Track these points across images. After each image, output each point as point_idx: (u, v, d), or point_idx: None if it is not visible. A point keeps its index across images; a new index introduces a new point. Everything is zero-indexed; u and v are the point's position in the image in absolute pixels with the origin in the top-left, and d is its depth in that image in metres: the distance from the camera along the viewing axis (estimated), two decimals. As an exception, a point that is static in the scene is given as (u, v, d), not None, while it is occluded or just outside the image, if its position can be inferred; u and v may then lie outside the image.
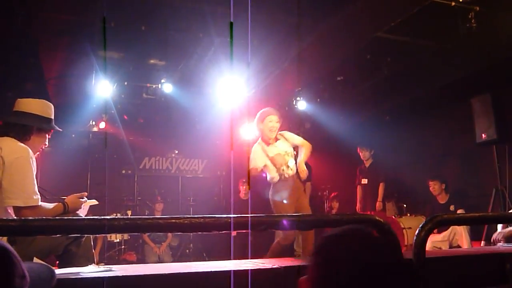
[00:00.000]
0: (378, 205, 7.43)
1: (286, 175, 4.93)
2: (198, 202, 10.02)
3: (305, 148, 5.10)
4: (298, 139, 5.20)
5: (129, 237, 8.46)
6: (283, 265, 2.54)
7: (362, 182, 7.75)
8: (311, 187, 8.32)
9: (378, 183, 7.50)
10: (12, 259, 1.12)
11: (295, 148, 5.20)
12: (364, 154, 7.80)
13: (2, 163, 2.74)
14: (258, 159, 4.98)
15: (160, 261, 8.27)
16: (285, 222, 2.04)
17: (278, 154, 4.94)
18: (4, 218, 2.15)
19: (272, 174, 4.98)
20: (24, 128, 2.98)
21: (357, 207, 7.82)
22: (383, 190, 7.47)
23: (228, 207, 9.76)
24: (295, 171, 5.00)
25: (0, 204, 2.74)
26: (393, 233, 2.00)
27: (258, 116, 5.09)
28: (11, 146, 2.84)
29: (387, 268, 1.13)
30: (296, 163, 5.04)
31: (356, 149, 7.96)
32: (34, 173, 2.86)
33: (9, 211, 2.79)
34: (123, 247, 8.41)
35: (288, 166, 4.95)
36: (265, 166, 4.96)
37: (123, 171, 10.24)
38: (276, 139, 5.07)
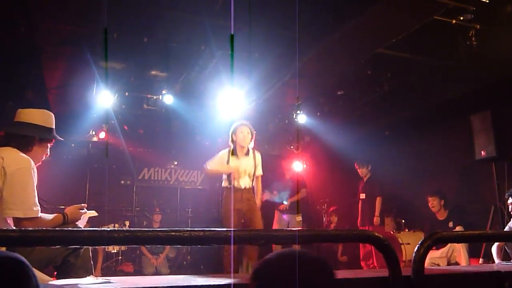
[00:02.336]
0: (376, 220, 7.41)
1: (236, 185, 5.17)
2: (197, 214, 10.01)
3: (258, 182, 5.42)
4: (259, 169, 5.40)
5: (126, 248, 8.42)
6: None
7: (361, 197, 7.74)
8: (306, 193, 8.26)
9: (375, 198, 7.49)
10: (27, 272, 1.11)
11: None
12: (361, 171, 7.80)
13: (4, 174, 2.73)
14: (216, 162, 5.31)
15: (157, 272, 8.23)
16: (284, 236, 2.04)
17: (236, 168, 5.19)
18: (4, 228, 2.14)
19: (224, 183, 5.31)
20: (26, 138, 2.98)
21: (358, 222, 7.81)
22: (380, 204, 7.46)
23: (221, 219, 9.74)
24: (247, 186, 5.24)
25: (0, 215, 2.73)
26: (391, 249, 2.00)
27: (231, 129, 5.33)
28: (12, 156, 2.84)
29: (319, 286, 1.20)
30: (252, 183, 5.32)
31: (354, 163, 7.96)
32: (35, 184, 2.85)
33: (9, 221, 2.78)
34: (120, 258, 8.38)
35: (239, 179, 5.21)
36: (216, 170, 5.34)
37: (122, 182, 10.22)
38: (247, 153, 5.31)
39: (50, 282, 2.59)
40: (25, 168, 2.81)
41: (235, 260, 5.26)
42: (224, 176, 5.29)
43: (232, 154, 5.25)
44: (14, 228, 2.69)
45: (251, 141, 5.29)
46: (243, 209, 5.17)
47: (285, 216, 7.85)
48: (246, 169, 5.24)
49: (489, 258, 5.49)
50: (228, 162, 5.22)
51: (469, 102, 6.52)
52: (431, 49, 6.05)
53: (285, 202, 7.76)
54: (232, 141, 5.30)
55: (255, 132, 5.35)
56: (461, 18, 5.21)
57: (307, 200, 9.76)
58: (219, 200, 10.70)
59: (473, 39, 5.39)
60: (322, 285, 1.20)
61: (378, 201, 7.46)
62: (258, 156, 5.41)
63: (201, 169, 10.58)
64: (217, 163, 5.30)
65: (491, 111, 5.97)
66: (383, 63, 6.54)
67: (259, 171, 5.38)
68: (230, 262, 4.94)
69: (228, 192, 5.22)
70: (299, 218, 7.63)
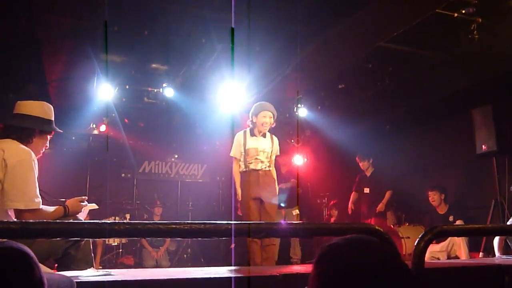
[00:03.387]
0: (381, 206, 7.34)
1: (253, 167, 5.00)
2: (197, 207, 10.02)
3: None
4: (276, 150, 5.25)
5: (127, 241, 8.44)
6: (282, 273, 2.54)
7: (364, 191, 7.66)
8: (294, 183, 8.18)
9: (382, 191, 7.41)
10: (31, 264, 1.11)
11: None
12: (363, 164, 7.75)
13: (5, 166, 2.73)
14: (235, 148, 5.12)
15: (157, 265, 8.25)
16: (284, 229, 2.04)
17: (254, 148, 5.02)
18: (5, 220, 2.15)
19: (240, 167, 5.08)
20: (26, 130, 2.98)
21: (349, 209, 7.79)
22: (389, 196, 7.40)
23: (227, 212, 9.75)
24: (265, 168, 5.05)
25: (1, 207, 2.73)
26: (392, 242, 2.00)
27: (253, 109, 5.13)
28: (13, 148, 2.84)
29: (389, 277, 1.12)
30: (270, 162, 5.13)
31: (355, 157, 7.94)
32: (36, 176, 2.86)
33: (10, 213, 2.78)
34: (120, 250, 8.39)
35: (257, 160, 5.01)
36: (241, 154, 5.07)
37: (123, 175, 10.23)
38: (264, 135, 5.14)
39: (51, 274, 2.59)
40: (26, 160, 2.81)
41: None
42: (241, 159, 5.08)
43: (250, 134, 5.10)
44: (15, 220, 2.69)
45: (272, 125, 5.12)
46: (261, 197, 4.95)
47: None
48: (265, 150, 5.07)
49: (489, 252, 5.50)
50: (245, 143, 5.05)
51: (470, 96, 6.51)
52: (433, 42, 6.03)
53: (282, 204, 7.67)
54: (251, 122, 5.11)
55: (276, 113, 5.17)
56: (463, 11, 5.19)
57: (306, 194, 9.78)
58: (219, 193, 10.74)
59: (475, 32, 5.38)
60: (394, 276, 1.13)
61: (388, 193, 7.41)
62: (275, 138, 5.26)
63: (208, 162, 10.64)
64: (236, 148, 5.11)
65: (492, 105, 5.97)
66: (384, 57, 6.52)
67: (277, 151, 5.24)
68: (249, 255, 4.81)
69: (245, 177, 5.01)
70: (296, 212, 7.61)
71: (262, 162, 5.02)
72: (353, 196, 7.81)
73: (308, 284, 1.18)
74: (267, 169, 5.06)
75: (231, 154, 5.15)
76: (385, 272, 1.12)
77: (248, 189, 4.94)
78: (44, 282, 1.13)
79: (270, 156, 5.12)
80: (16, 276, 1.08)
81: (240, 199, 4.99)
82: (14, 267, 1.08)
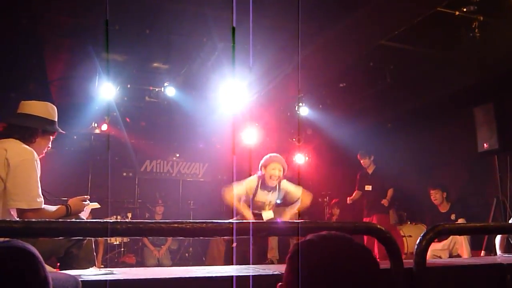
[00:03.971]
0: (385, 202, 7.35)
1: (257, 212, 5.06)
2: (199, 206, 10.02)
3: (304, 199, 5.20)
4: (296, 194, 5.20)
5: (128, 240, 8.44)
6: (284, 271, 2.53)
7: (366, 189, 7.68)
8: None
9: (384, 189, 7.43)
10: (36, 264, 1.11)
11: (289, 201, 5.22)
12: (364, 161, 7.76)
13: (7, 165, 2.74)
14: (242, 190, 5.08)
15: (159, 264, 8.26)
16: (285, 228, 2.04)
17: (262, 201, 5.06)
18: (8, 219, 2.15)
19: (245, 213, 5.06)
20: (29, 130, 2.98)
21: (347, 200, 7.80)
22: (392, 193, 7.42)
23: (228, 211, 9.76)
24: (267, 218, 5.05)
25: (3, 206, 2.74)
26: (393, 241, 2.00)
27: (263, 161, 5.13)
28: (16, 148, 2.84)
29: (358, 272, 1.14)
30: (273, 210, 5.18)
31: (357, 155, 7.94)
32: (39, 175, 2.86)
33: (12, 213, 2.79)
34: (122, 249, 8.40)
35: (261, 209, 5.08)
36: (240, 198, 5.06)
37: (124, 174, 10.24)
38: (275, 188, 5.11)
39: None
40: (28, 160, 2.81)
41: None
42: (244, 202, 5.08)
43: (261, 187, 5.06)
44: (18, 219, 2.70)
45: (281, 178, 5.09)
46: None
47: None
48: (271, 202, 5.12)
49: (491, 251, 5.49)
50: (255, 194, 5.05)
51: (472, 94, 6.50)
52: (434, 41, 6.03)
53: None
54: (261, 173, 5.10)
55: (286, 167, 5.13)
56: (464, 9, 5.18)
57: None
58: (221, 192, 10.73)
59: (476, 30, 5.36)
60: (363, 272, 1.15)
61: (391, 191, 7.43)
62: (289, 187, 5.19)
63: (209, 161, 10.64)
64: (243, 190, 5.09)
65: (494, 104, 5.96)
66: (386, 55, 6.51)
67: (297, 195, 5.18)
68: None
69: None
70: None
71: (266, 213, 5.07)
72: (355, 194, 7.82)
73: (283, 280, 1.19)
74: (271, 218, 5.05)
75: (235, 191, 5.06)
76: (355, 267, 1.14)
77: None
78: (49, 282, 1.13)
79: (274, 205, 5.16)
80: (21, 275, 1.08)
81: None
82: (19, 266, 1.08)
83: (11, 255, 1.09)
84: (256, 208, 5.04)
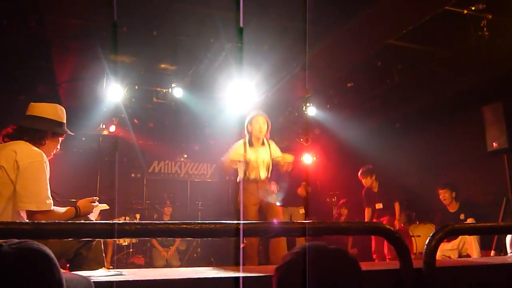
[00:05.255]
0: (397, 224, 7.18)
1: (252, 177, 5.08)
2: (207, 207, 10.04)
3: (286, 157, 5.25)
4: (278, 153, 5.30)
5: (137, 241, 8.47)
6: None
7: (377, 207, 7.40)
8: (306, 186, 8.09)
9: (393, 203, 7.27)
10: (50, 265, 1.12)
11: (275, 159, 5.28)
12: (366, 181, 7.48)
13: (17, 167, 2.75)
14: (235, 153, 5.16)
15: (168, 265, 8.28)
16: (294, 229, 2.04)
17: (254, 160, 5.09)
18: (18, 221, 2.16)
19: (239, 174, 5.12)
20: (39, 132, 3.00)
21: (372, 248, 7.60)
22: (399, 209, 7.24)
23: (236, 211, 9.76)
24: (264, 177, 5.14)
25: (13, 208, 2.75)
26: (403, 241, 1.99)
27: (247, 119, 5.21)
28: (25, 150, 2.86)
29: (340, 282, 1.19)
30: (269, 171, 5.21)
31: (365, 155, 7.89)
32: (48, 177, 2.88)
33: (22, 215, 2.80)
34: (131, 250, 8.43)
35: (257, 170, 5.11)
36: (236, 161, 5.13)
37: (132, 175, 10.28)
38: (263, 143, 5.21)
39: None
40: (37, 162, 2.83)
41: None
42: (240, 168, 5.12)
43: (249, 144, 5.14)
44: (28, 221, 2.71)
45: (267, 132, 5.17)
46: (260, 203, 5.06)
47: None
48: (264, 160, 5.13)
49: (500, 250, 5.46)
50: (245, 154, 5.09)
51: (480, 93, 6.46)
52: (442, 40, 6.00)
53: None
54: (248, 131, 5.18)
55: (270, 122, 5.23)
56: (473, 8, 5.16)
57: (316, 193, 9.75)
58: (229, 193, 10.74)
59: (484, 29, 5.33)
60: (346, 281, 1.20)
61: (397, 206, 7.17)
62: (273, 145, 5.30)
63: (216, 162, 10.66)
64: (236, 154, 5.15)
65: (503, 103, 5.91)
66: (394, 54, 6.49)
67: (276, 155, 5.25)
68: (250, 255, 4.93)
69: (245, 184, 5.07)
70: (302, 210, 7.56)
71: (261, 171, 5.11)
72: (367, 212, 7.59)
73: None
74: (265, 178, 5.14)
75: (230, 156, 5.19)
76: (336, 277, 1.20)
77: (248, 195, 5.02)
78: (63, 284, 1.14)
79: (269, 165, 5.19)
80: (35, 276, 1.09)
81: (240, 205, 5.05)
82: (34, 268, 1.09)
83: (26, 256, 1.10)
84: (253, 170, 5.07)
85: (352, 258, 1.25)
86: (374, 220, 7.40)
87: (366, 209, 7.60)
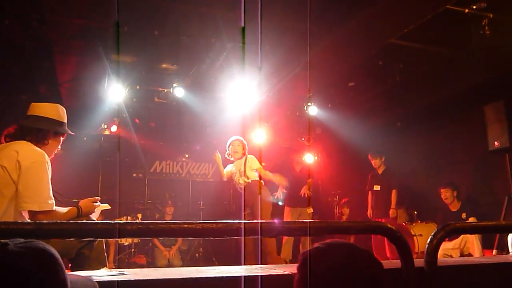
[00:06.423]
0: (392, 212, 7.34)
1: (240, 185, 6.31)
2: (208, 206, 10.03)
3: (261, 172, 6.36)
4: (254, 165, 6.33)
5: (139, 240, 8.47)
6: (294, 272, 2.53)
7: (375, 188, 7.65)
8: (312, 184, 8.16)
9: (391, 190, 7.42)
10: (55, 266, 1.12)
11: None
12: (375, 162, 7.72)
13: (19, 167, 2.76)
14: (226, 172, 6.49)
15: (169, 264, 8.28)
16: (296, 228, 2.04)
17: (231, 172, 6.41)
18: (20, 221, 2.17)
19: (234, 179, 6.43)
20: (41, 132, 3.00)
21: (368, 213, 7.76)
22: (396, 196, 7.39)
23: (237, 211, 9.76)
24: (243, 181, 6.25)
25: (15, 208, 2.76)
26: (404, 240, 1.99)
27: (227, 144, 6.41)
28: (27, 150, 2.86)
29: (370, 282, 1.18)
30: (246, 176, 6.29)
31: (367, 155, 7.91)
32: (50, 177, 2.88)
33: (24, 215, 2.81)
34: (133, 250, 8.43)
35: (238, 179, 6.32)
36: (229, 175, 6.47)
37: (134, 175, 10.28)
38: (238, 159, 6.36)
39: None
40: (39, 162, 2.83)
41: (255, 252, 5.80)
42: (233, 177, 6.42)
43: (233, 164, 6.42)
44: (29, 221, 2.72)
45: (244, 150, 6.34)
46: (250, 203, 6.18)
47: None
48: (241, 170, 6.25)
49: (502, 249, 5.45)
50: (228, 171, 6.44)
51: (482, 92, 6.45)
52: (444, 39, 5.99)
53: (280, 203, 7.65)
54: (229, 152, 6.40)
55: (246, 143, 6.41)
56: (474, 7, 5.15)
57: (318, 192, 9.75)
58: (230, 193, 10.75)
59: (486, 28, 5.33)
60: (369, 280, 1.19)
61: (394, 193, 7.38)
62: (250, 158, 6.32)
63: (213, 162, 10.70)
64: (228, 171, 6.48)
65: (504, 102, 5.91)
66: (395, 54, 6.49)
67: (256, 165, 6.29)
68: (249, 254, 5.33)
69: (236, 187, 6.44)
70: (310, 210, 7.59)
71: (240, 179, 6.27)
72: (370, 196, 7.77)
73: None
74: (249, 181, 6.22)
75: (224, 174, 6.45)
76: (359, 273, 1.21)
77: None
78: (67, 284, 1.14)
79: (246, 172, 6.27)
80: (41, 275, 1.08)
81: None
82: (39, 267, 1.09)
83: (33, 256, 1.10)
84: (238, 178, 6.29)
85: (377, 260, 1.25)
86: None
87: (369, 192, 7.81)
